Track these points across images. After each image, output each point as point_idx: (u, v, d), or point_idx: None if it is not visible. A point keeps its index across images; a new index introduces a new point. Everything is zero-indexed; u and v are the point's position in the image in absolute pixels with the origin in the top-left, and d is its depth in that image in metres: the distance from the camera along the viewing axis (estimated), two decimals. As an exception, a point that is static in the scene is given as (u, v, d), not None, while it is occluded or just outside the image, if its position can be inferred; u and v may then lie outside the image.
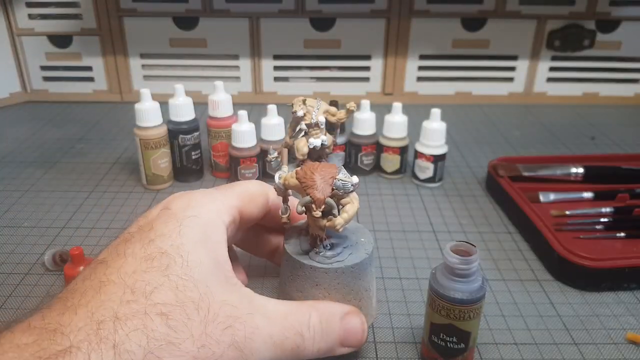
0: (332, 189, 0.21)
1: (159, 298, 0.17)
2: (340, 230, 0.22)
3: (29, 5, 0.62)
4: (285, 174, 0.23)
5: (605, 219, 0.36)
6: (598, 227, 0.36)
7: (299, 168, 0.22)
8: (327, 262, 0.23)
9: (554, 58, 0.65)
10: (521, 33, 0.64)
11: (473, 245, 0.23)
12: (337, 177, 0.21)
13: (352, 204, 0.22)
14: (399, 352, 0.27)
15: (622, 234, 0.35)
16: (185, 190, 0.24)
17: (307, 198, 0.21)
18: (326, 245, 0.24)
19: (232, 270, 0.21)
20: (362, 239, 0.26)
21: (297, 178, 0.22)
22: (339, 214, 0.22)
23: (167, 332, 0.17)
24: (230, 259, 0.26)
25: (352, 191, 0.21)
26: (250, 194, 0.25)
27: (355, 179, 0.22)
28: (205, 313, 0.18)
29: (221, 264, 0.20)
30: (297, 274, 0.24)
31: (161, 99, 0.45)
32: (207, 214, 0.21)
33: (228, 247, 0.24)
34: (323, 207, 0.21)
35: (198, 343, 0.17)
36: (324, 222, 0.22)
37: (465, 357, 0.24)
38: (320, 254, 0.24)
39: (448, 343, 0.24)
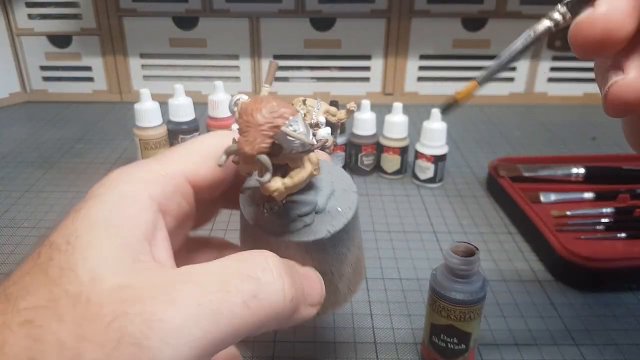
0: (272, 142, 0.15)
1: (29, 301, 0.13)
2: (279, 198, 0.16)
3: (28, 5, 0.62)
4: (244, 99, 0.16)
5: (606, 220, 0.36)
6: (599, 227, 0.36)
7: (256, 97, 0.16)
8: (272, 229, 0.17)
9: (554, 58, 0.65)
10: (522, 32, 0.64)
11: (474, 246, 0.23)
12: (285, 128, 0.14)
13: (301, 169, 0.16)
14: (400, 353, 0.26)
15: (623, 235, 0.35)
16: None
17: (233, 145, 0.15)
18: (273, 207, 0.18)
19: (148, 252, 0.15)
20: (338, 208, 0.18)
21: (239, 111, 0.16)
22: (279, 177, 0.16)
23: (28, 345, 0.13)
24: (185, 243, 0.20)
25: (305, 151, 0.15)
26: (205, 151, 0.19)
27: (324, 134, 0.16)
28: (84, 307, 0.13)
29: (129, 244, 0.15)
30: (245, 231, 0.19)
31: (161, 99, 0.45)
32: (122, 187, 0.16)
33: (177, 227, 0.18)
34: (253, 166, 0.15)
35: (68, 353, 0.13)
36: (264, 180, 0.15)
37: (465, 358, 0.24)
38: (270, 213, 0.18)
39: (449, 344, 0.24)
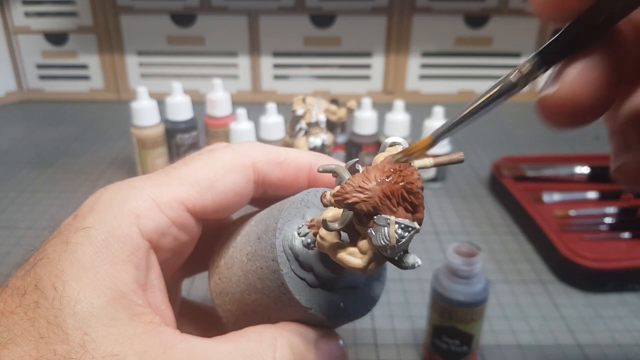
0: (372, 214, 0.12)
1: (13, 354, 0.12)
2: (320, 248, 0.14)
3: (25, 3, 0.62)
4: (402, 144, 0.13)
5: (610, 220, 0.36)
6: (602, 227, 0.35)
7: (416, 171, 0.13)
8: (310, 302, 0.14)
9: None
10: (525, 30, 0.63)
11: (476, 246, 0.23)
12: (392, 221, 0.12)
13: (359, 257, 0.13)
14: (401, 354, 0.26)
15: (627, 235, 0.34)
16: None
17: (343, 171, 0.13)
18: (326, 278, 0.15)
19: (143, 301, 0.14)
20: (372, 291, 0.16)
21: (385, 160, 0.13)
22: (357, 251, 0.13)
23: None
24: (173, 291, 0.17)
25: (379, 254, 0.12)
26: (212, 173, 0.16)
27: (412, 262, 0.12)
28: None
29: (122, 295, 0.13)
30: (274, 293, 0.15)
31: (158, 98, 0.45)
32: (109, 221, 0.14)
33: (169, 271, 0.16)
34: (337, 205, 0.13)
35: None
36: (327, 227, 0.13)
37: (467, 359, 0.24)
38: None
39: (450, 346, 0.24)
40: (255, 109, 0.59)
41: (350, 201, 0.12)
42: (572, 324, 0.28)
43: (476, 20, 0.63)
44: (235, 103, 0.47)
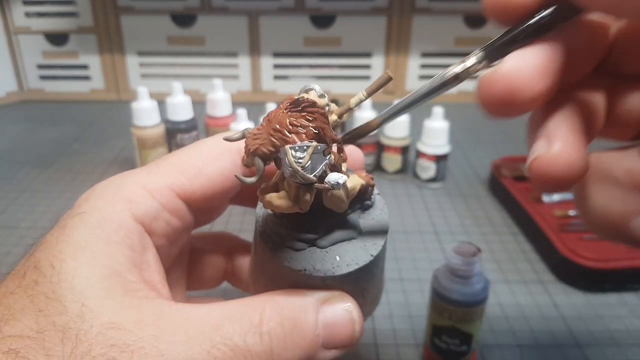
0: (275, 152, 0.13)
1: (14, 329, 0.13)
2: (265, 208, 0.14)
3: (25, 3, 0.62)
4: (316, 90, 0.15)
5: (609, 219, 0.36)
6: (602, 227, 0.35)
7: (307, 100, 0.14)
8: (287, 258, 0.15)
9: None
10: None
11: (476, 246, 0.23)
12: (289, 148, 0.12)
13: (284, 197, 0.14)
14: (401, 354, 0.26)
15: (626, 234, 0.34)
16: None
17: (249, 129, 0.14)
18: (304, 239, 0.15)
19: (138, 279, 0.15)
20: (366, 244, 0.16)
21: (284, 101, 0.14)
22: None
23: None
24: (174, 271, 0.18)
25: (298, 182, 0.13)
26: (201, 160, 0.17)
27: (334, 179, 0.13)
28: (72, 344, 0.13)
29: (117, 272, 0.14)
30: (257, 257, 0.17)
31: (159, 98, 0.45)
32: (103, 207, 0.15)
33: (170, 243, 0.17)
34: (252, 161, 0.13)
35: None
36: (245, 181, 0.13)
37: (467, 359, 0.24)
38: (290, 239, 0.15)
39: (450, 345, 0.24)
40: (255, 109, 0.59)
41: (252, 150, 0.13)
42: (571, 324, 0.29)
43: (476, 20, 0.63)
44: (236, 103, 0.47)
